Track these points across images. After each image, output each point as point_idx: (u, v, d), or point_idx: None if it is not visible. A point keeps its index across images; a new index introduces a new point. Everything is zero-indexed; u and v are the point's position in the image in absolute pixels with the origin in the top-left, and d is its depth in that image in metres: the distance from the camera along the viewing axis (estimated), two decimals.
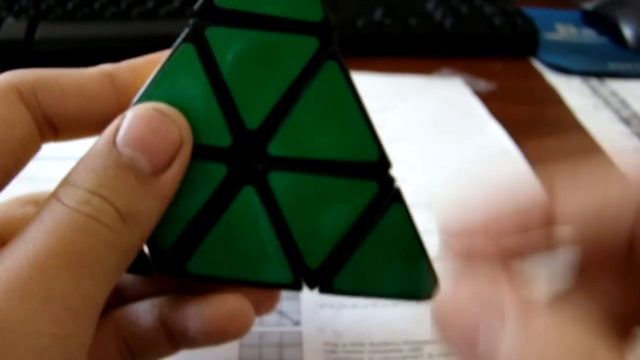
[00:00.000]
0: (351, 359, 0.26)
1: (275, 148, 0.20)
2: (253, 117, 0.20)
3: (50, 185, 0.18)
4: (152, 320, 0.21)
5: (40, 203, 0.22)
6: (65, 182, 0.17)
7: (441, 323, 0.15)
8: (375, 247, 0.20)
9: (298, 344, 0.26)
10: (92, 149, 0.18)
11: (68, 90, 0.19)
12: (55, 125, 0.20)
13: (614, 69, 0.51)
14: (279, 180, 0.20)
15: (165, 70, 0.19)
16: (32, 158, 0.20)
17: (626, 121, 0.44)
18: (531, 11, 0.55)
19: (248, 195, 0.20)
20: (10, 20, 0.49)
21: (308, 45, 0.19)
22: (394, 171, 0.21)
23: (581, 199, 0.16)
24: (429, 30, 0.51)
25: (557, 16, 0.60)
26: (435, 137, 0.41)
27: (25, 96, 0.19)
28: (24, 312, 0.15)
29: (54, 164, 0.25)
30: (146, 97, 0.19)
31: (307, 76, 0.20)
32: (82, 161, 0.18)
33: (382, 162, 0.20)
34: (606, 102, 0.47)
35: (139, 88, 0.20)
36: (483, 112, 0.44)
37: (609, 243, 0.16)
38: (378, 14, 0.52)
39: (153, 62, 0.20)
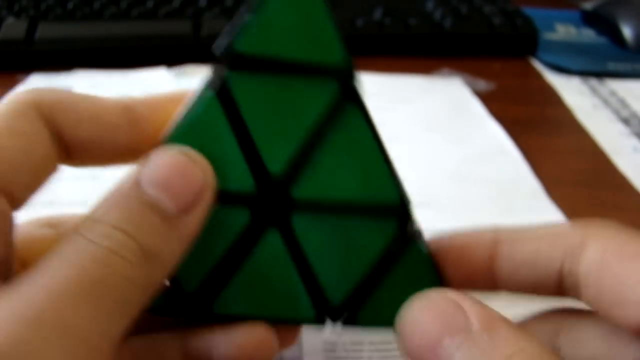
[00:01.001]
0: (350, 358, 0.26)
1: (298, 192, 0.20)
2: (276, 161, 0.20)
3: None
4: (173, 349, 0.20)
5: (57, 225, 0.22)
6: (87, 218, 0.17)
7: (405, 339, 0.17)
8: (396, 283, 0.20)
9: (297, 342, 0.26)
10: (116, 189, 0.18)
11: (83, 115, 0.19)
12: (68, 149, 0.20)
13: (613, 69, 0.51)
14: (302, 223, 0.20)
15: (188, 117, 0.19)
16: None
17: (625, 121, 0.44)
18: (531, 11, 0.55)
19: (272, 239, 0.20)
20: (10, 20, 0.49)
21: (329, 89, 0.20)
22: None
23: (520, 247, 0.19)
24: (429, 30, 0.51)
25: (557, 16, 0.60)
26: (435, 137, 0.41)
27: (43, 114, 0.19)
28: (38, 342, 0.14)
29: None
30: (170, 141, 0.19)
31: (329, 120, 0.20)
32: (105, 199, 0.18)
33: (403, 203, 0.20)
34: (605, 102, 0.47)
35: (154, 123, 0.20)
36: (482, 111, 0.44)
37: (543, 279, 0.19)
38: (378, 14, 0.52)
39: (171, 99, 0.21)
